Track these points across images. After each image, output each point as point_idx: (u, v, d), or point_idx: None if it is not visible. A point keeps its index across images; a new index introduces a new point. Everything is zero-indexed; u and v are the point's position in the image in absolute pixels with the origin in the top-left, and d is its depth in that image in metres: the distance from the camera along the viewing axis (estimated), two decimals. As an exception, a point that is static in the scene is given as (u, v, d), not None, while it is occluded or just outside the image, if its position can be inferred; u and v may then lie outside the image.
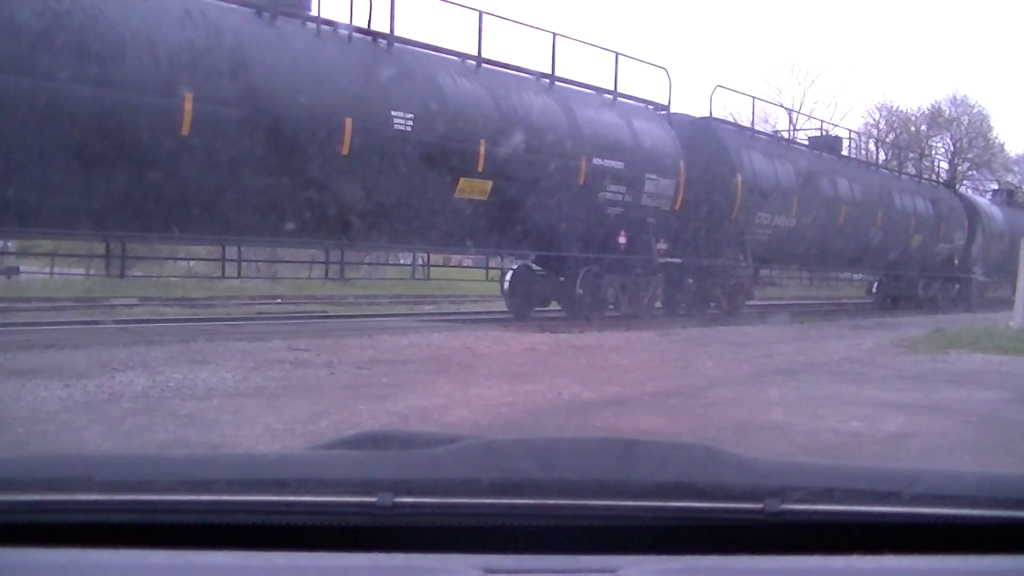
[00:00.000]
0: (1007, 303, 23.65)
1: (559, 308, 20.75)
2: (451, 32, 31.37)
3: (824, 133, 30.92)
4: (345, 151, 14.36)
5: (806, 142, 29.32)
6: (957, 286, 35.30)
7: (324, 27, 14.75)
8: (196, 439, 6.17)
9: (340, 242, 16.76)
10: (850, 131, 38.13)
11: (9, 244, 21.68)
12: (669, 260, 21.21)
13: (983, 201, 39.49)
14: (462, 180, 16.19)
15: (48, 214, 12.71)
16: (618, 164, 19.02)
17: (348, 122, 14.32)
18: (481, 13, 17.28)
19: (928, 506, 1.58)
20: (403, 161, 15.21)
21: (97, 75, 11.88)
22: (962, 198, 37.25)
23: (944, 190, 36.02)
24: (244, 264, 19.85)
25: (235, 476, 1.73)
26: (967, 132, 64.08)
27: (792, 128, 37.56)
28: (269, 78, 13.62)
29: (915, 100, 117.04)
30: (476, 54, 17.32)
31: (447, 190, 16.12)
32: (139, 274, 24.60)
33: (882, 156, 41.42)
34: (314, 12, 14.88)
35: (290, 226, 14.56)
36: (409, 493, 1.57)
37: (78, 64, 11.73)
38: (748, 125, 26.38)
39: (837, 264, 31.49)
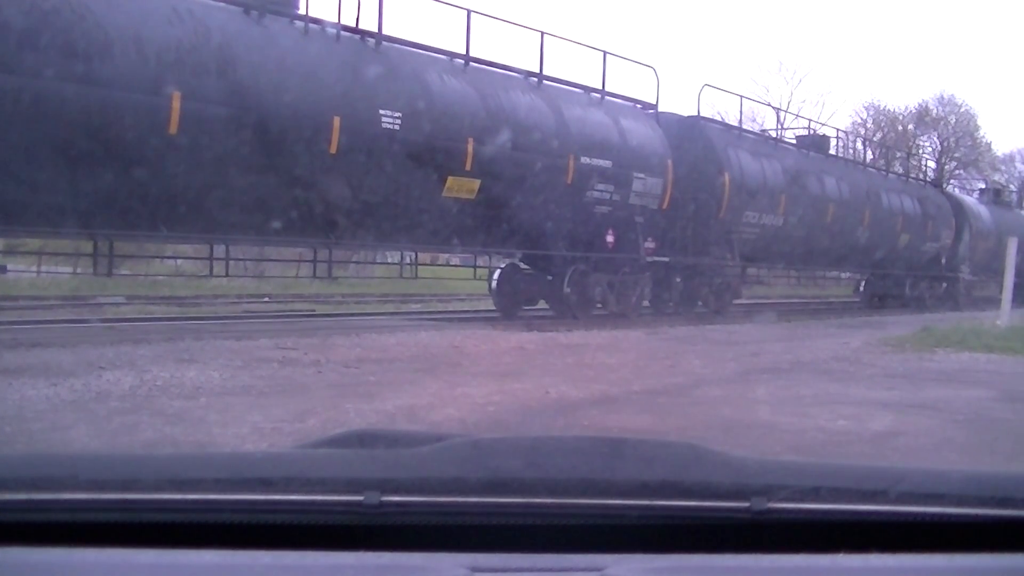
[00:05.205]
0: (994, 302, 23.71)
1: (547, 307, 20.75)
2: (439, 31, 31.32)
3: (812, 132, 31.00)
4: (333, 150, 14.34)
5: (794, 141, 29.32)
6: (944, 285, 35.36)
7: (311, 25, 14.73)
8: (183, 438, 6.17)
9: (328, 241, 16.72)
10: (837, 130, 38.21)
11: (-5, 242, 21.62)
12: (657, 259, 21.22)
13: (970, 200, 39.56)
14: (450, 179, 16.19)
15: (35, 213, 12.66)
16: (606, 163, 19.04)
17: (336, 120, 14.31)
18: (469, 12, 17.28)
19: (914, 505, 1.59)
20: (391, 160, 15.20)
21: (84, 73, 11.84)
22: (949, 197, 37.30)
23: (931, 189, 36.09)
24: (231, 263, 19.80)
25: (222, 475, 1.74)
26: (954, 131, 64.33)
27: (780, 127, 37.65)
28: (257, 76, 13.59)
29: (902, 99, 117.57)
30: (464, 53, 17.31)
31: (435, 189, 16.11)
32: (126, 273, 24.54)
33: (869, 155, 41.54)
34: (302, 10, 14.85)
35: (277, 225, 14.53)
36: (396, 492, 1.57)
37: (65, 62, 11.69)
38: (736, 124, 26.45)
39: (824, 263, 31.55)
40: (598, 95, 20.08)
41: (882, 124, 63.02)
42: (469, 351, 12.14)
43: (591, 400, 8.46)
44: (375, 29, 15.61)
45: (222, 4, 13.69)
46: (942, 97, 65.16)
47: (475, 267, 22.77)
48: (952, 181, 57.94)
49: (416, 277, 23.46)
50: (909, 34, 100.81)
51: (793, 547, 1.51)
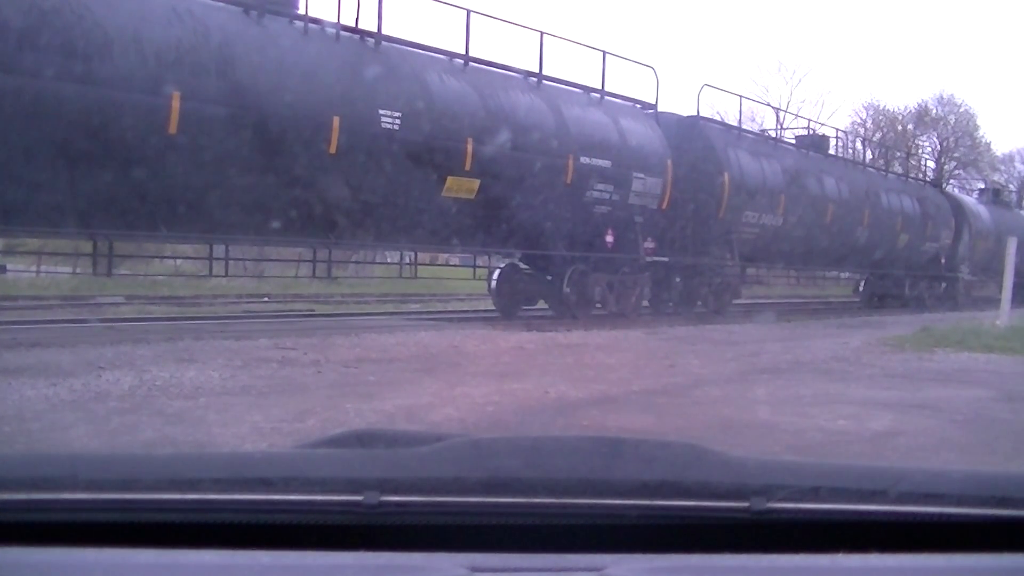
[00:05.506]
0: (993, 302, 23.71)
1: (546, 307, 20.76)
2: (439, 31, 31.32)
3: (811, 132, 31.02)
4: (332, 150, 14.34)
5: (793, 141, 29.35)
6: (943, 285, 35.38)
7: (311, 25, 14.72)
8: (182, 438, 6.17)
9: (327, 241, 16.73)
10: (837, 130, 38.24)
11: (-5, 242, 21.62)
12: (656, 259, 21.24)
13: (969, 200, 39.59)
14: (449, 179, 16.19)
15: (34, 212, 12.67)
16: (605, 163, 19.04)
17: (335, 120, 14.31)
18: (469, 12, 17.28)
19: (914, 504, 1.58)
20: (390, 160, 15.20)
21: (83, 73, 11.84)
22: (948, 197, 37.33)
23: (931, 189, 36.10)
24: (231, 263, 19.80)
25: (221, 475, 1.73)
26: (954, 131, 64.37)
27: (779, 127, 37.67)
28: (256, 76, 13.59)
29: (902, 99, 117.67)
30: (464, 53, 17.32)
31: (434, 189, 16.12)
32: (126, 272, 24.53)
33: (869, 155, 41.51)
34: (301, 10, 14.85)
35: (277, 225, 14.53)
36: (395, 492, 1.57)
37: (64, 62, 11.69)
38: (735, 124, 26.46)
39: (824, 263, 31.53)
40: (597, 95, 20.08)
41: (882, 124, 63.08)
42: (468, 351, 12.14)
43: (590, 400, 8.46)
44: (375, 29, 15.62)
45: (221, 4, 13.70)
46: (941, 97, 65.31)
47: (475, 267, 22.77)
48: (952, 181, 58.03)
49: (416, 277, 23.46)
50: (909, 34, 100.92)
51: (793, 547, 1.51)
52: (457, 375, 9.86)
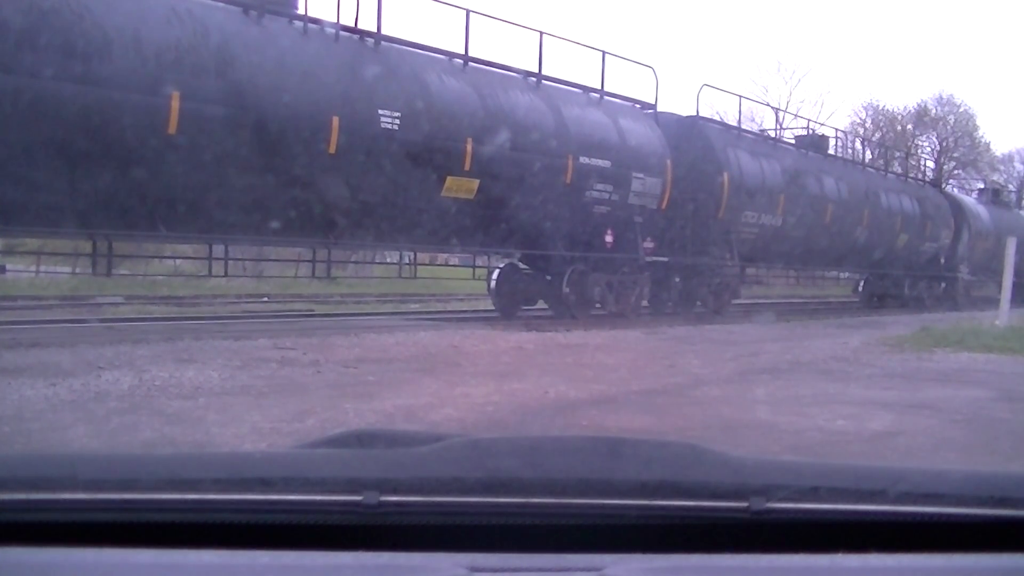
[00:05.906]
0: (993, 302, 23.69)
1: (546, 307, 20.76)
2: (438, 31, 31.32)
3: (810, 132, 30.95)
4: (332, 150, 14.34)
5: (792, 141, 29.32)
6: (943, 285, 35.36)
7: (310, 25, 14.72)
8: (182, 438, 6.16)
9: (326, 241, 16.72)
10: (836, 130, 38.27)
11: (-6, 242, 21.60)
12: (656, 259, 21.22)
13: (969, 200, 39.57)
14: (449, 179, 16.18)
15: (33, 212, 12.66)
16: (605, 163, 19.03)
17: (335, 120, 14.30)
18: (468, 12, 17.28)
19: (913, 504, 1.58)
20: (389, 160, 15.19)
21: (83, 73, 11.84)
22: (948, 197, 37.31)
23: (930, 189, 36.09)
24: (230, 263, 19.76)
25: (221, 475, 1.73)
26: (953, 131, 64.36)
27: (778, 127, 37.65)
28: (255, 76, 13.59)
29: (901, 99, 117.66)
30: (463, 53, 17.32)
31: (433, 189, 16.11)
32: (125, 272, 24.51)
33: (868, 155, 41.48)
34: (301, 10, 14.85)
35: (276, 225, 14.52)
36: (395, 492, 1.56)
37: (63, 62, 11.69)
38: (735, 124, 26.44)
39: (823, 263, 31.51)
40: (597, 95, 20.08)
41: (881, 124, 63.08)
42: (468, 351, 12.14)
43: (590, 400, 8.46)
44: (374, 29, 15.61)
45: (221, 4, 13.69)
46: (941, 97, 65.31)
47: (474, 267, 22.74)
48: (951, 181, 58.02)
49: (415, 277, 23.41)
50: (908, 34, 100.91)
51: (792, 547, 1.51)
52: (456, 375, 9.85)
